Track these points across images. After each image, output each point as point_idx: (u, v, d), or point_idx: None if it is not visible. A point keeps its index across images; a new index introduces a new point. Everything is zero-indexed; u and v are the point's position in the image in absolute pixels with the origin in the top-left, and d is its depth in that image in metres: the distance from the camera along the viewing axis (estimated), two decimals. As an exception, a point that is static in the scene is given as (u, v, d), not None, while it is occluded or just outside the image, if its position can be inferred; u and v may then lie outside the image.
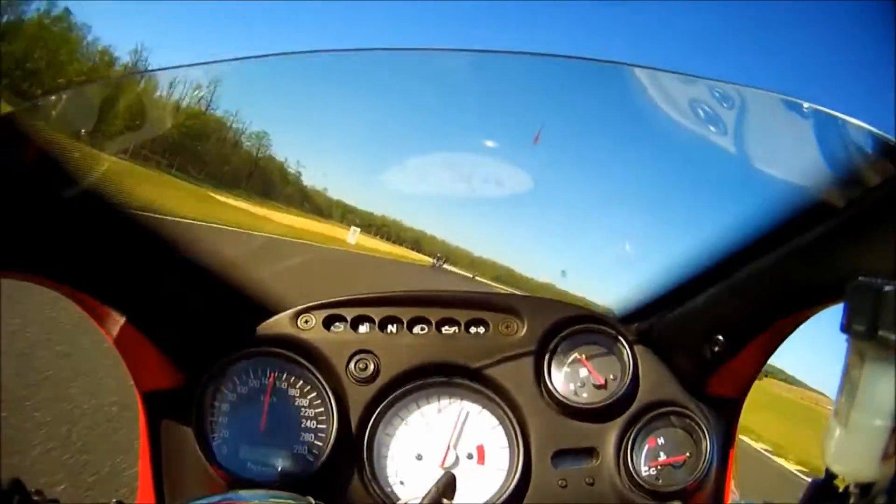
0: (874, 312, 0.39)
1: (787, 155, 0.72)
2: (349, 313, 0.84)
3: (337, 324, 0.84)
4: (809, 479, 0.46)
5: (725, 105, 0.69)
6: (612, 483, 0.77)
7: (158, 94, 0.66)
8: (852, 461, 0.41)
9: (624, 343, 0.81)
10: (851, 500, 0.42)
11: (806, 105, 0.63)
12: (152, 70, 0.60)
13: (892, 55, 0.50)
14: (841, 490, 0.43)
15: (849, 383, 0.42)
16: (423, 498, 0.58)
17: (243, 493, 0.69)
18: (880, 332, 0.39)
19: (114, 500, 0.61)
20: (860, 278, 0.42)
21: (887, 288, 0.39)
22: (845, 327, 0.42)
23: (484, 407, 0.80)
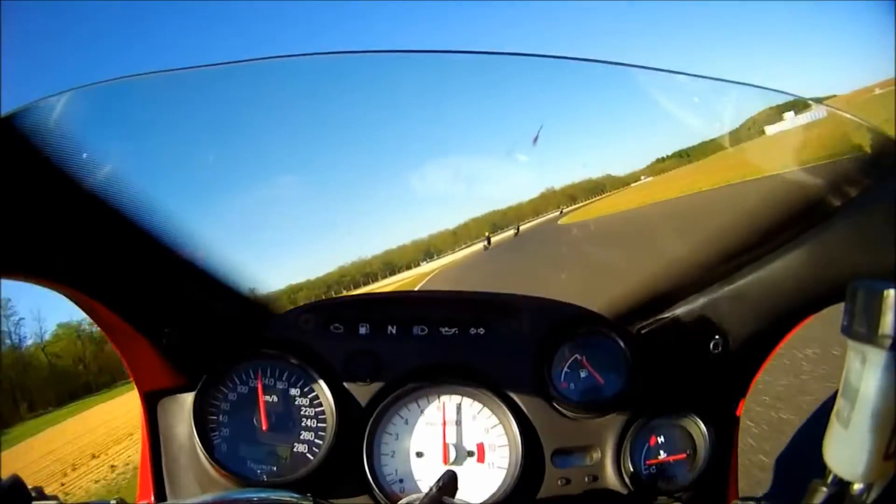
0: (875, 314, 0.39)
1: (787, 154, 0.72)
2: (348, 314, 0.85)
3: (336, 324, 0.84)
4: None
5: (726, 104, 0.69)
6: (613, 481, 0.77)
7: (162, 97, 0.66)
8: (853, 461, 0.41)
9: (624, 343, 0.81)
10: (852, 500, 0.42)
11: (806, 103, 0.63)
12: (154, 72, 0.60)
13: (893, 55, 0.51)
14: (842, 490, 0.43)
15: (849, 384, 0.42)
16: (425, 496, 0.58)
17: (245, 491, 0.70)
18: (881, 334, 0.39)
19: (114, 500, 0.62)
20: (860, 280, 0.42)
21: (887, 289, 0.39)
22: (846, 329, 0.42)
23: (484, 406, 0.81)
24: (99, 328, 0.71)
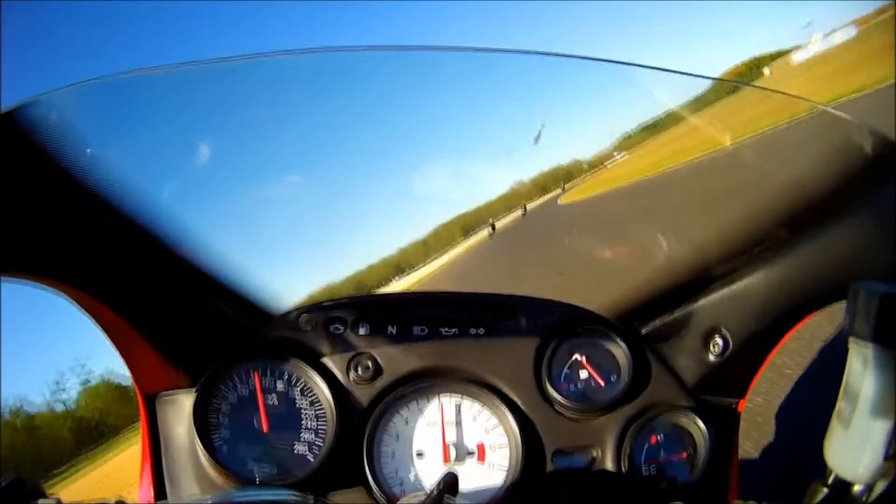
0: (877, 315, 0.39)
1: (787, 155, 0.72)
2: (349, 314, 0.85)
3: (337, 325, 0.84)
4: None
5: (726, 105, 0.69)
6: (613, 481, 0.77)
7: (164, 93, 0.65)
8: (854, 462, 0.41)
9: (624, 343, 0.81)
10: (853, 501, 0.42)
11: (807, 104, 0.63)
12: (155, 68, 0.60)
13: (893, 55, 0.51)
14: (843, 490, 0.43)
15: (850, 385, 0.42)
16: (426, 496, 0.58)
17: (246, 490, 0.70)
18: (883, 335, 0.39)
19: (115, 500, 0.62)
20: (863, 280, 0.42)
21: (889, 290, 0.39)
22: (848, 329, 0.42)
23: (484, 406, 0.81)
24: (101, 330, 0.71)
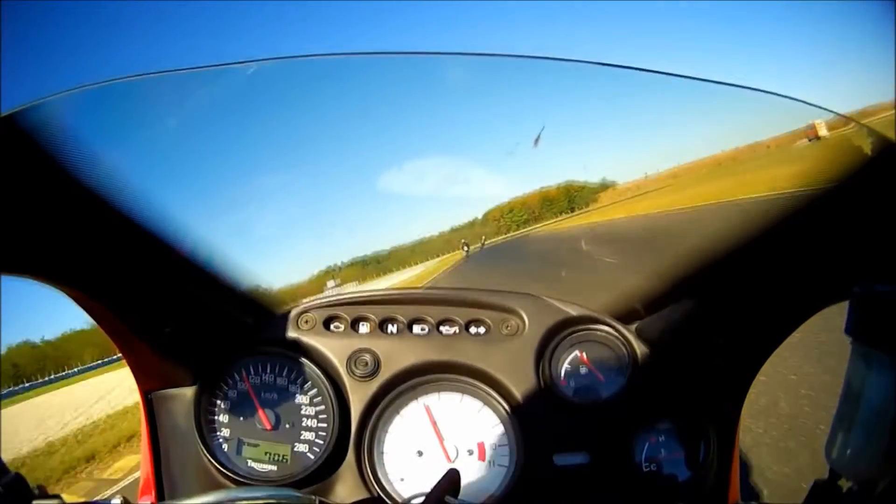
0: (879, 316, 0.39)
1: (788, 155, 0.72)
2: (349, 313, 0.85)
3: (337, 324, 0.84)
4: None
5: (725, 107, 0.68)
6: (612, 480, 0.77)
7: (161, 97, 0.66)
8: (855, 462, 0.41)
9: (624, 342, 0.81)
10: (854, 502, 0.42)
11: (807, 105, 0.63)
12: (156, 73, 0.60)
13: (893, 55, 0.50)
14: (844, 491, 0.43)
15: (852, 385, 0.42)
16: (427, 495, 0.58)
17: (247, 489, 0.70)
18: (883, 336, 0.39)
19: (116, 498, 0.62)
20: (864, 282, 0.42)
21: (890, 291, 0.39)
22: (849, 330, 0.42)
23: (485, 404, 0.81)
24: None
